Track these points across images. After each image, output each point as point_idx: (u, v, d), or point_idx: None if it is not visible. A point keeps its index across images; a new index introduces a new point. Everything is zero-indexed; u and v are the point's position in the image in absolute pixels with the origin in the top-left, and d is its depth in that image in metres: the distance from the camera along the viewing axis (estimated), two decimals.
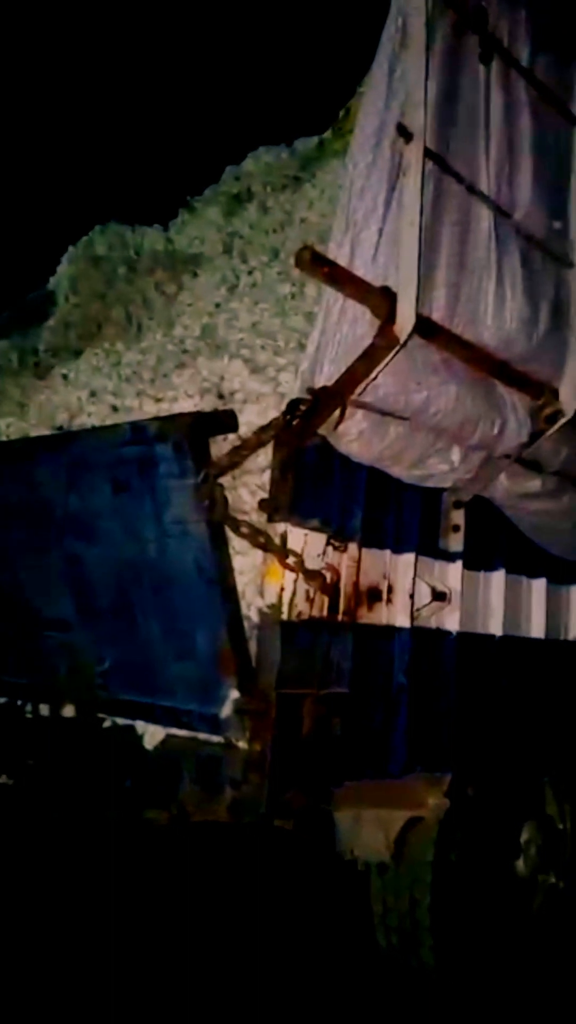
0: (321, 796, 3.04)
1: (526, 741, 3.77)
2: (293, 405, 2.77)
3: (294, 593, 2.88)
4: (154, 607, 3.11)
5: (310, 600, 2.92)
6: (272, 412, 3.03)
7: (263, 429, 2.84)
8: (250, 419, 3.04)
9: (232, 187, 5.81)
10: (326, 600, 2.96)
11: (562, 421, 3.15)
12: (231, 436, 2.94)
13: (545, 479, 3.41)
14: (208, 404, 3.53)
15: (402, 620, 3.21)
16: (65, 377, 4.63)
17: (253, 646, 2.91)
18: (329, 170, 5.06)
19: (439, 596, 3.34)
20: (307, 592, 2.91)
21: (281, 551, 2.83)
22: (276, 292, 4.38)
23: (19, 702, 3.75)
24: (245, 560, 2.98)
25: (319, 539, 2.93)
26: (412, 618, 3.24)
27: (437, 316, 2.71)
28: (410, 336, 2.56)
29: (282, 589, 2.87)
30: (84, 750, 3.42)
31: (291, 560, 2.84)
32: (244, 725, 2.86)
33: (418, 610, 3.27)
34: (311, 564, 2.89)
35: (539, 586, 3.98)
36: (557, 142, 3.21)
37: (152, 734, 3.30)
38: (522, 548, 3.74)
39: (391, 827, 3.22)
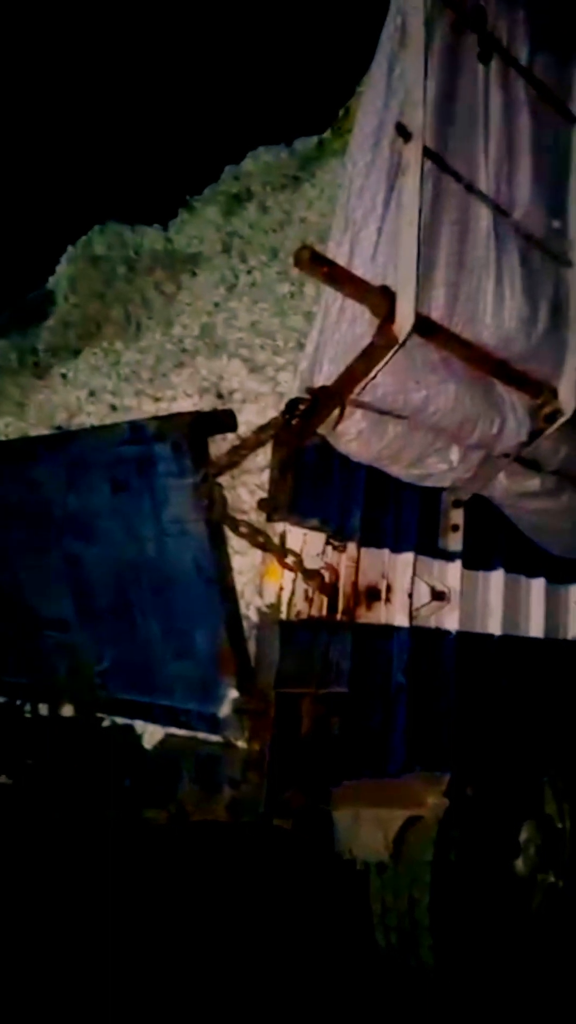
0: (320, 795, 3.04)
1: (525, 741, 3.77)
2: (292, 404, 2.77)
3: (293, 592, 2.88)
4: (153, 607, 3.11)
5: (309, 600, 2.92)
6: (271, 411, 3.02)
7: (262, 428, 2.84)
8: (249, 418, 3.04)
9: (231, 187, 5.79)
10: (325, 600, 2.96)
11: (561, 420, 3.14)
12: (230, 435, 2.94)
13: (544, 478, 3.41)
14: (207, 403, 3.52)
15: (401, 619, 3.21)
16: (64, 376, 4.62)
17: (252, 646, 2.91)
18: (328, 170, 5.04)
19: (438, 595, 3.34)
20: (306, 592, 2.91)
21: (280, 551, 2.83)
22: (275, 291, 4.37)
23: (18, 702, 3.75)
24: (244, 560, 2.98)
25: (318, 538, 2.93)
26: (411, 617, 3.24)
27: (436, 315, 2.71)
28: (409, 335, 2.55)
29: (281, 588, 2.87)
30: (83, 750, 3.42)
31: (290, 560, 2.84)
32: (243, 724, 2.86)
33: (417, 609, 3.28)
34: (310, 564, 2.89)
35: (538, 585, 3.98)
36: (556, 141, 3.20)
37: (151, 733, 3.30)
38: (521, 547, 3.74)
39: (390, 826, 3.22)
